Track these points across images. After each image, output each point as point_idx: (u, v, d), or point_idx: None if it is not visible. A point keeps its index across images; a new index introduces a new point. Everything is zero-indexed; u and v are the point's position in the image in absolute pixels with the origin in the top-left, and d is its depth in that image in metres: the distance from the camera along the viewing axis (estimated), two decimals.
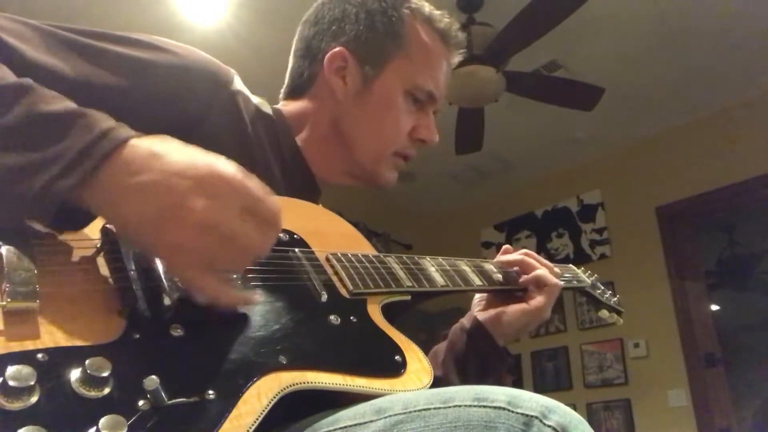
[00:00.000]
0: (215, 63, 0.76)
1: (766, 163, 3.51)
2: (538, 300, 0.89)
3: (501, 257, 0.96)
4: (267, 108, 0.85)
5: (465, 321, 0.93)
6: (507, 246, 1.00)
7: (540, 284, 0.90)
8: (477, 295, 0.97)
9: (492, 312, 0.91)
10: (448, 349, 0.92)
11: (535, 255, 0.96)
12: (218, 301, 0.53)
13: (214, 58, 0.76)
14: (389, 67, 0.85)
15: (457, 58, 0.93)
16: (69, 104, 0.53)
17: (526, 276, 0.92)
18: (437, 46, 0.89)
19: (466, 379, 0.88)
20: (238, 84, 0.79)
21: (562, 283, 0.93)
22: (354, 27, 0.86)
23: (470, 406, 0.48)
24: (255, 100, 0.83)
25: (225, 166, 0.53)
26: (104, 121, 0.53)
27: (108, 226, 0.56)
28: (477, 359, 0.89)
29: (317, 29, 0.88)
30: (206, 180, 0.51)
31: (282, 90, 0.93)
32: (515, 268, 0.94)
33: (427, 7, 0.90)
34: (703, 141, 3.83)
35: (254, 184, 0.54)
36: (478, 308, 0.95)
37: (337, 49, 0.85)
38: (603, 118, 3.59)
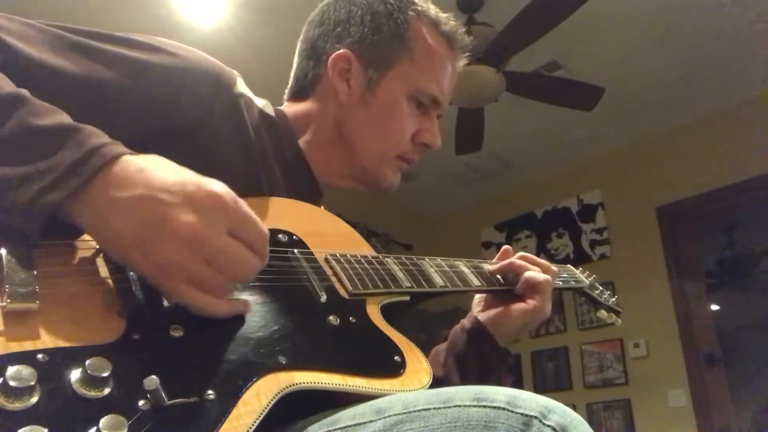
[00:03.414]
0: (218, 65, 0.76)
1: (766, 163, 3.51)
2: (533, 299, 0.89)
3: (493, 265, 0.95)
4: (270, 110, 0.85)
5: (466, 321, 0.93)
6: (507, 246, 1.00)
7: (531, 285, 0.90)
8: (477, 296, 0.97)
9: (492, 312, 0.91)
10: (449, 349, 0.92)
11: (529, 256, 0.95)
12: (207, 314, 0.53)
13: (217, 61, 0.76)
14: (394, 71, 0.85)
15: (462, 62, 0.92)
16: (62, 118, 0.53)
17: (519, 281, 0.92)
18: (442, 49, 0.88)
19: (467, 379, 0.88)
20: (241, 86, 0.78)
21: (550, 278, 0.91)
22: (359, 29, 0.85)
23: (470, 406, 0.49)
24: (258, 102, 0.83)
25: (214, 184, 0.53)
26: (96, 137, 0.52)
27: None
28: (478, 359, 0.89)
29: (322, 30, 0.88)
30: (195, 196, 0.51)
31: (286, 90, 0.93)
32: (510, 274, 0.93)
33: (433, 10, 0.89)
34: (703, 141, 3.83)
35: (244, 206, 0.53)
36: (478, 309, 0.95)
37: (341, 51, 0.85)
38: (603, 118, 3.59)
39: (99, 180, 0.50)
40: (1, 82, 0.53)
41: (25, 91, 0.53)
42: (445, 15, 0.90)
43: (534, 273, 0.91)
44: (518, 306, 0.89)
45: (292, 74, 0.92)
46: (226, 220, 0.52)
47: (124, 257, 0.51)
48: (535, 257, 0.95)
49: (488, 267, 0.93)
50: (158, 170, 0.52)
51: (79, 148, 0.51)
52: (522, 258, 0.94)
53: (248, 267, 0.54)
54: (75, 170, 0.50)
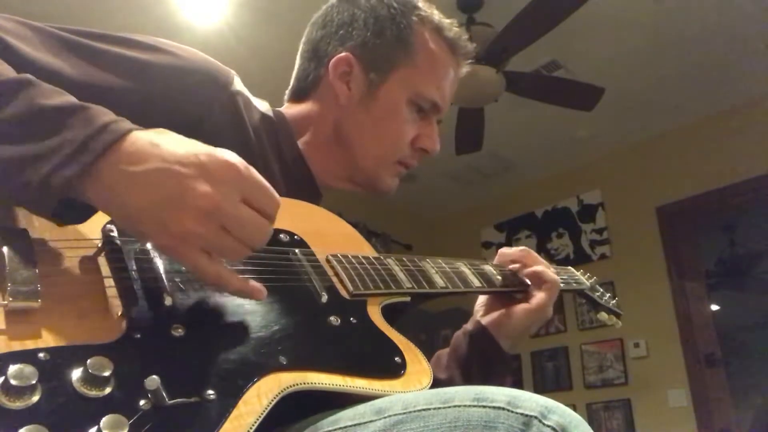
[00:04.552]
0: (215, 64, 0.76)
1: (766, 163, 3.51)
2: (539, 297, 0.90)
3: (501, 251, 0.96)
4: (268, 110, 0.85)
5: (468, 325, 0.93)
6: (503, 249, 1.00)
7: (540, 280, 0.91)
8: (479, 300, 0.97)
9: (494, 315, 0.91)
10: (452, 352, 0.92)
11: (534, 253, 0.96)
12: (224, 287, 0.54)
13: (214, 60, 0.76)
14: (395, 75, 0.85)
15: (465, 68, 0.92)
16: (69, 98, 0.54)
17: (526, 270, 0.92)
18: (445, 55, 0.88)
19: (470, 382, 0.87)
20: (239, 85, 0.79)
21: (559, 279, 0.92)
22: (362, 33, 0.85)
23: (470, 406, 0.49)
24: (256, 101, 0.83)
25: (226, 153, 0.53)
26: (105, 114, 0.53)
27: (108, 225, 0.57)
28: (481, 363, 0.89)
29: (325, 32, 0.88)
30: (208, 166, 0.51)
31: (287, 91, 0.93)
32: (516, 265, 0.94)
33: (437, 16, 0.89)
34: (704, 141, 3.83)
35: (255, 173, 0.55)
36: (480, 313, 0.95)
37: (342, 54, 0.85)
38: (603, 118, 3.59)
39: (110, 155, 0.51)
40: (4, 69, 0.54)
41: (30, 75, 0.54)
42: (448, 21, 0.90)
43: (546, 269, 0.92)
44: (521, 306, 0.90)
45: (293, 75, 0.92)
46: (240, 188, 0.53)
47: (139, 230, 0.52)
48: (538, 256, 0.96)
49: (489, 268, 0.93)
50: (169, 143, 0.53)
51: (89, 124, 0.51)
52: (527, 255, 0.95)
53: (263, 232, 0.55)
54: (86, 146, 0.50)
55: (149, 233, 0.52)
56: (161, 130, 0.55)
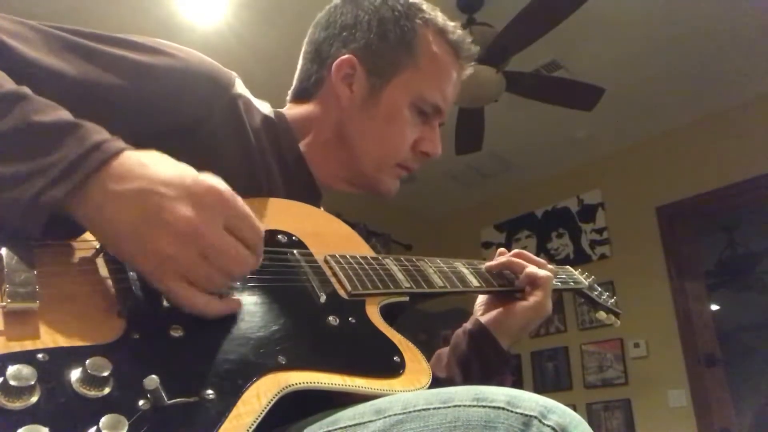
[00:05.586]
0: (216, 66, 0.76)
1: (766, 163, 3.51)
2: (535, 295, 0.90)
3: (489, 264, 0.96)
4: (269, 111, 0.85)
5: (468, 324, 0.93)
6: (502, 249, 1.00)
7: (532, 281, 0.91)
8: (478, 300, 0.97)
9: (494, 313, 0.91)
10: (451, 351, 0.92)
11: (525, 253, 0.96)
12: (199, 313, 0.53)
13: (215, 62, 0.76)
14: (398, 78, 0.85)
15: (468, 71, 0.92)
16: (63, 114, 0.53)
17: (520, 277, 0.92)
18: (448, 58, 0.88)
19: (469, 381, 0.87)
20: (240, 87, 0.78)
21: (550, 273, 0.92)
22: (365, 35, 0.85)
23: (469, 406, 0.49)
24: (257, 103, 0.83)
25: (212, 179, 0.53)
26: (98, 133, 0.53)
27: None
28: (480, 361, 0.89)
29: (328, 33, 0.88)
30: (192, 190, 0.51)
31: (289, 91, 0.93)
32: (506, 271, 0.94)
33: (441, 18, 0.89)
34: (703, 141, 3.83)
35: (240, 202, 0.54)
36: (480, 312, 0.95)
37: (345, 56, 0.84)
38: (603, 118, 3.59)
39: (100, 175, 0.51)
40: (3, 80, 0.54)
41: (26, 89, 0.54)
42: (452, 24, 0.89)
43: (534, 268, 0.92)
44: (519, 304, 0.90)
45: (296, 75, 0.92)
46: (223, 215, 0.52)
47: (122, 251, 0.51)
48: (531, 255, 0.96)
49: (486, 266, 0.93)
50: (157, 165, 0.52)
51: (80, 143, 0.51)
52: (518, 255, 0.95)
53: (243, 263, 0.54)
54: (78, 166, 0.50)
55: (129, 255, 0.51)
56: (153, 152, 0.55)
